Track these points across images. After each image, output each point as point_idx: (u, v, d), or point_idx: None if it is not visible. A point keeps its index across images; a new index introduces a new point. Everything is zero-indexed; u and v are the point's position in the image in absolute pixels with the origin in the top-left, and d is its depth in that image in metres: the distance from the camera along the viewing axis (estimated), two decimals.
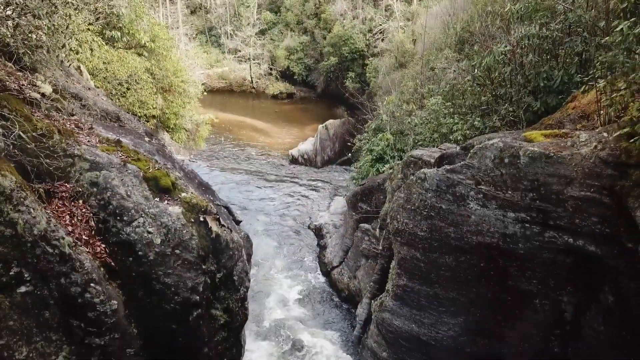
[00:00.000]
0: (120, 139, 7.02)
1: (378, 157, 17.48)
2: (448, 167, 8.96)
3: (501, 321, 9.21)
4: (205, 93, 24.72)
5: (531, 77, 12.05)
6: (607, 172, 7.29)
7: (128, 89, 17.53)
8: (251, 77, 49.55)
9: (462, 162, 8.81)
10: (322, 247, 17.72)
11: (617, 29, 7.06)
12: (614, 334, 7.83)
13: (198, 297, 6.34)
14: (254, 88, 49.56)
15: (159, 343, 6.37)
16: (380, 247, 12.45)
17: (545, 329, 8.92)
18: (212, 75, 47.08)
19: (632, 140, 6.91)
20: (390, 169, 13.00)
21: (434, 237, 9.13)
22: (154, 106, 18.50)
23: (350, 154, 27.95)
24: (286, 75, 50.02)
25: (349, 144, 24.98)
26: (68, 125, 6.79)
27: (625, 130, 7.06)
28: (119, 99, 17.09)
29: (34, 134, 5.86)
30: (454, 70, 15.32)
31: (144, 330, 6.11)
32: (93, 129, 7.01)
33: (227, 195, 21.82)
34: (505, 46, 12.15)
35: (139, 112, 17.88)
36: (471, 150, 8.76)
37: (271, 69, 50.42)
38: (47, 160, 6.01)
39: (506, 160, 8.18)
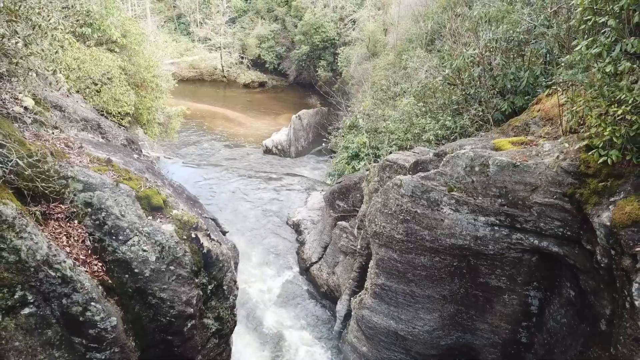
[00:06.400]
0: (111, 157, 7.22)
1: (354, 155, 17.91)
2: (422, 174, 9.47)
3: (473, 315, 9.89)
4: (176, 84, 24.30)
5: (499, 78, 12.65)
6: (568, 181, 7.91)
7: (102, 87, 17.37)
8: (222, 66, 49.11)
9: (435, 170, 9.33)
10: (300, 243, 18.09)
11: (576, 48, 7.61)
12: (575, 325, 8.55)
13: (192, 310, 6.68)
14: (225, 77, 49.16)
15: (156, 353, 6.72)
16: (359, 246, 12.95)
17: (513, 322, 9.63)
18: (182, 65, 46.43)
19: (590, 152, 7.51)
20: (367, 170, 13.45)
21: (410, 239, 9.67)
22: (127, 103, 18.37)
23: (324, 144, 28.25)
24: (258, 63, 49.83)
25: (323, 132, 25.22)
26: (58, 145, 6.96)
27: (584, 143, 7.66)
28: (92, 98, 16.93)
29: (29, 160, 6.04)
30: (426, 70, 15.80)
31: (142, 342, 6.44)
32: (83, 147, 7.18)
33: (201, 191, 21.80)
34: (474, 49, 12.68)
35: (113, 109, 17.74)
36: (444, 159, 9.28)
37: (242, 57, 50.08)
38: (43, 184, 6.21)
39: (476, 169, 8.74)
